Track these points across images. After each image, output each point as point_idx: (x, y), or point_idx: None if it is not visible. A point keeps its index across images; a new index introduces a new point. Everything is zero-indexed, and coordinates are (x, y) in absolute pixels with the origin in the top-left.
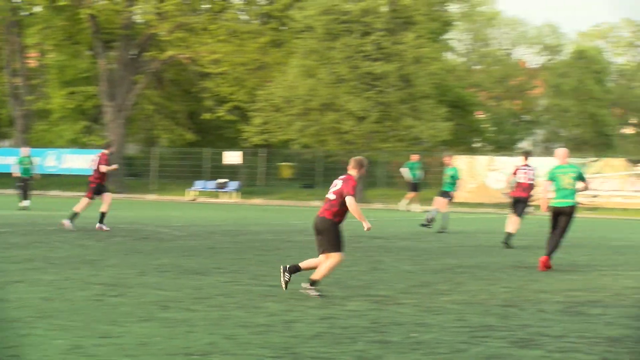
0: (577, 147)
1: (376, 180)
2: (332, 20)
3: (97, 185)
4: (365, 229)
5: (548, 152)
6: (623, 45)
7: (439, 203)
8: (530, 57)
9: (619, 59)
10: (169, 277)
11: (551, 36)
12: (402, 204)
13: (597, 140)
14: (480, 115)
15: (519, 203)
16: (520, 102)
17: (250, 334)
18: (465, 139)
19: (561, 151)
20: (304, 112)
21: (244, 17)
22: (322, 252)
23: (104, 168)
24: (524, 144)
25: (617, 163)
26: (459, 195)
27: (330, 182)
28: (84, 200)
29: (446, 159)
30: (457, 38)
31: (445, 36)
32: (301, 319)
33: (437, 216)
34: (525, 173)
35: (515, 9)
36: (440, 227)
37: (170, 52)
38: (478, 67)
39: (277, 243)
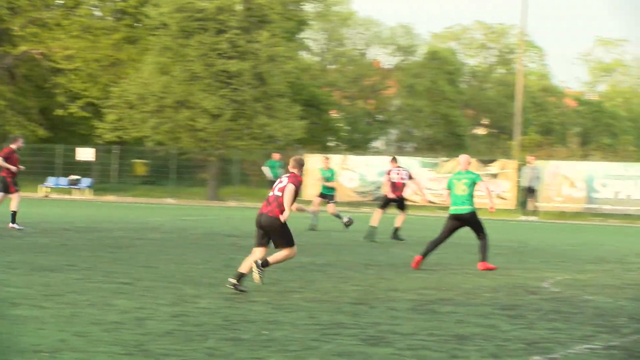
0: (430, 147)
1: (230, 178)
2: (187, 17)
3: (13, 180)
4: (282, 219)
5: (401, 151)
6: (475, 47)
7: (316, 203)
8: (384, 58)
9: (471, 60)
10: (19, 273)
11: (405, 37)
12: None
13: (449, 141)
14: (334, 114)
15: (397, 202)
16: (374, 102)
17: (102, 331)
18: (319, 138)
19: (461, 158)
20: (158, 109)
21: (97, 13)
22: (277, 247)
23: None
24: (378, 143)
25: None
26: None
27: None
28: (15, 197)
29: (324, 162)
30: (312, 37)
31: (300, 35)
32: (153, 317)
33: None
34: (397, 174)
35: (369, 10)
36: (310, 225)
37: (23, 47)
38: (333, 66)
39: (130, 241)
